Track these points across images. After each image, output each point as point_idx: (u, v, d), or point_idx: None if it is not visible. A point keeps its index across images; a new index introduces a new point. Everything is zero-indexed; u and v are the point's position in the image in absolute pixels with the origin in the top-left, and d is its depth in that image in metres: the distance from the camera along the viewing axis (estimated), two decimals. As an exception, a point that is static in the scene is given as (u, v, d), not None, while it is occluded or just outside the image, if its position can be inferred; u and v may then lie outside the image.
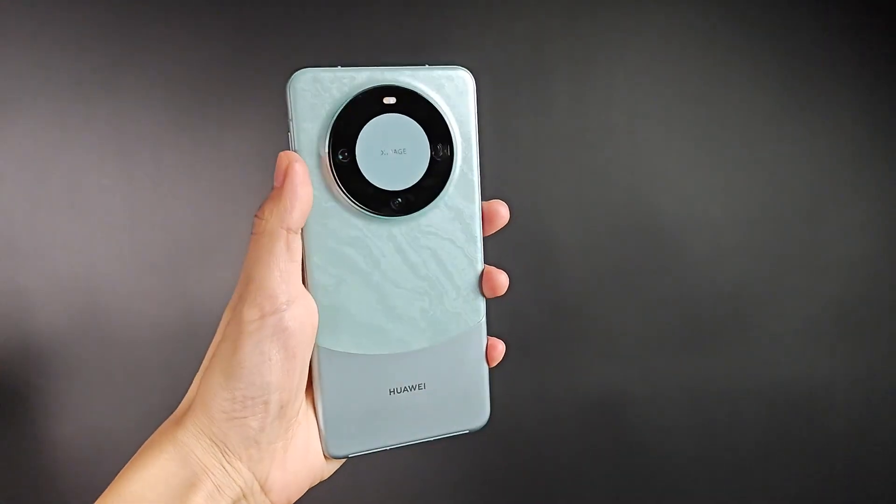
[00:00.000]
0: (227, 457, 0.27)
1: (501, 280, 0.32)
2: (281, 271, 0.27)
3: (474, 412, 0.31)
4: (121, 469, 0.28)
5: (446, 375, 0.31)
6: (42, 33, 0.82)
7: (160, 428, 0.29)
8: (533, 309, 0.92)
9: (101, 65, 0.84)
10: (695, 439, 0.94)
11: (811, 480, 0.94)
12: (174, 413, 0.29)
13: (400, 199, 0.29)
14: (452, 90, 0.30)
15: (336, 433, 0.29)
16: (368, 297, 0.29)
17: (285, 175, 0.27)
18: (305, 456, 0.30)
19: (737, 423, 0.94)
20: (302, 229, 0.28)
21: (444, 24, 0.89)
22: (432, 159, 0.29)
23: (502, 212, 0.32)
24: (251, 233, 0.27)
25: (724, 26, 0.92)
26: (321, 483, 0.31)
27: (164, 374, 0.88)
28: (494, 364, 0.32)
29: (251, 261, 0.27)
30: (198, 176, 0.88)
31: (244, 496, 0.28)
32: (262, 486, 0.28)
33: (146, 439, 0.29)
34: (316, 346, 0.29)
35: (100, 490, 0.27)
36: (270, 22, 0.87)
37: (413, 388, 0.30)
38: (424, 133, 0.29)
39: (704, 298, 0.93)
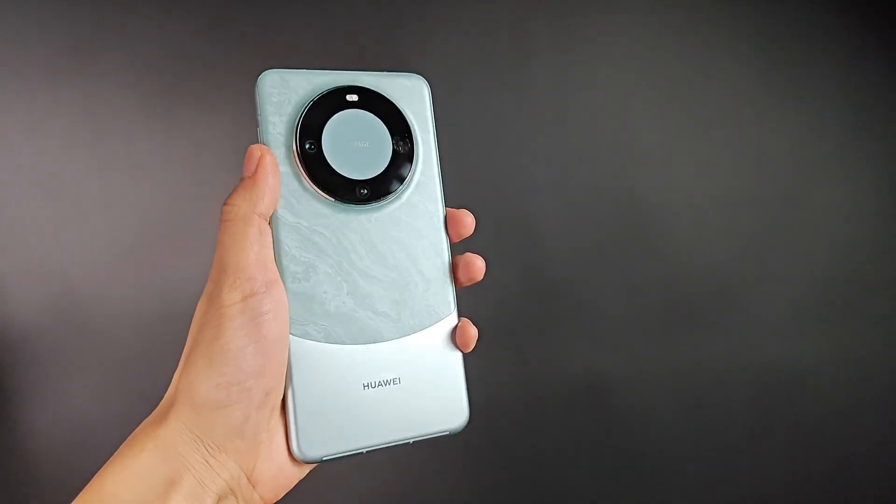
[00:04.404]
0: (210, 451, 0.27)
1: (478, 265, 0.32)
2: (256, 255, 0.27)
3: (452, 411, 0.30)
4: (97, 459, 0.27)
5: (421, 369, 0.30)
6: (10, 14, 0.79)
7: (141, 425, 0.28)
8: (517, 293, 0.92)
9: (72, 46, 0.82)
10: (680, 422, 0.95)
11: (797, 462, 0.96)
12: (155, 410, 0.29)
13: (365, 190, 0.30)
14: (410, 93, 0.32)
15: (308, 433, 0.28)
16: (339, 287, 0.29)
17: (258, 164, 0.28)
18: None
19: (722, 406, 0.95)
20: (271, 221, 0.29)
21: (423, 4, 0.88)
22: (395, 152, 0.31)
23: (467, 221, 0.32)
24: (221, 220, 0.27)
25: (707, 7, 0.92)
26: (309, 473, 0.31)
27: (141, 361, 0.87)
28: (468, 349, 0.32)
29: (225, 246, 0.27)
30: (171, 160, 0.86)
31: (231, 490, 0.27)
32: (249, 479, 0.28)
33: (123, 428, 0.28)
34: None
35: (77, 480, 0.27)
36: (246, 5, 0.85)
37: (387, 382, 0.30)
38: (386, 128, 0.31)
39: (689, 281, 0.94)
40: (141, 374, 0.87)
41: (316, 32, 0.87)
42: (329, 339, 0.29)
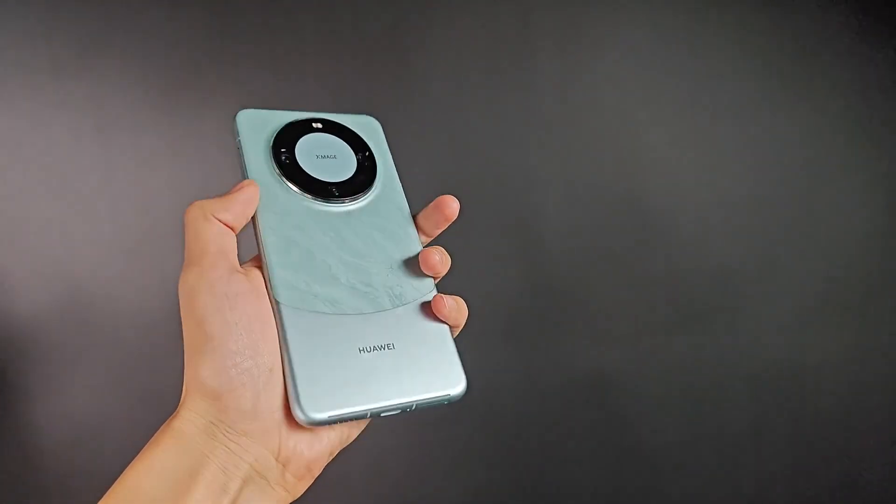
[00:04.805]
0: (228, 436, 0.27)
1: (434, 259, 0.33)
2: (218, 246, 0.29)
3: (450, 377, 0.31)
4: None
5: (412, 337, 0.31)
6: (16, 9, 0.79)
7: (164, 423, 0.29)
8: (520, 290, 0.92)
9: (78, 43, 0.82)
10: (683, 420, 0.95)
11: (800, 460, 0.96)
12: (177, 407, 0.29)
13: (336, 190, 0.34)
14: (366, 126, 0.38)
15: (310, 393, 0.28)
16: (324, 266, 0.31)
17: (238, 186, 0.32)
18: None
19: (725, 404, 0.95)
20: (256, 224, 0.32)
21: (426, 1, 0.87)
22: (359, 162, 0.35)
23: (452, 204, 0.34)
24: (184, 217, 0.30)
25: (713, 6, 0.92)
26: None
27: (145, 359, 0.87)
28: (449, 321, 0.33)
29: (187, 241, 0.30)
30: (177, 157, 0.86)
31: (258, 473, 0.28)
32: (276, 459, 0.28)
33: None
34: (277, 303, 0.29)
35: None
36: (252, 1, 0.85)
37: (382, 347, 0.30)
38: (348, 146, 0.36)
39: (693, 279, 0.94)
40: (145, 371, 0.87)
41: (319, 30, 0.87)
42: (319, 309, 0.30)
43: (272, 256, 0.30)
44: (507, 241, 0.91)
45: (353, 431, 0.31)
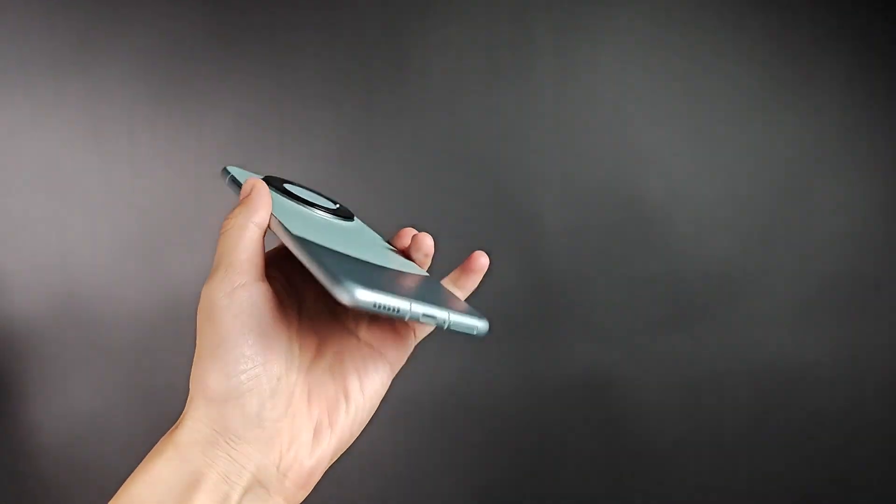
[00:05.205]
0: (231, 443, 0.27)
1: (427, 242, 0.35)
2: (248, 254, 0.30)
3: (472, 314, 0.30)
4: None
5: (429, 281, 0.33)
6: (13, 7, 0.79)
7: (166, 434, 0.29)
8: (518, 288, 0.92)
9: (74, 41, 0.82)
10: (681, 418, 0.95)
11: (797, 459, 0.96)
12: (178, 419, 0.29)
13: (330, 210, 0.38)
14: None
15: (355, 277, 0.27)
16: (341, 246, 0.32)
17: (252, 188, 0.32)
18: (319, 430, 0.30)
19: (722, 402, 0.95)
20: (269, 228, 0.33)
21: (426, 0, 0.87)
22: (336, 203, 0.41)
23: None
24: (220, 232, 0.31)
25: (710, 5, 0.92)
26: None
27: (142, 357, 0.87)
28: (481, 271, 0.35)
29: (220, 248, 0.30)
30: (174, 155, 0.86)
31: (259, 482, 0.28)
32: (277, 468, 0.28)
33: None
34: (295, 237, 0.29)
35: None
36: (248, 1, 0.85)
37: (409, 271, 0.32)
38: (323, 196, 0.41)
39: (690, 277, 0.94)
40: (142, 369, 0.87)
41: (318, 28, 0.87)
42: (346, 251, 0.31)
43: (296, 232, 0.31)
44: (504, 239, 0.91)
45: (355, 430, 0.31)
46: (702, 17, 0.92)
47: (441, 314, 0.28)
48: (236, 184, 0.36)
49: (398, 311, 0.27)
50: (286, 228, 0.30)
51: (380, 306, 0.26)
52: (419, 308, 0.27)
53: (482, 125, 0.90)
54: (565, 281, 0.92)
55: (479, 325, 0.30)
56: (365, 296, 0.26)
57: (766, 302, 0.95)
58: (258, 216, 0.31)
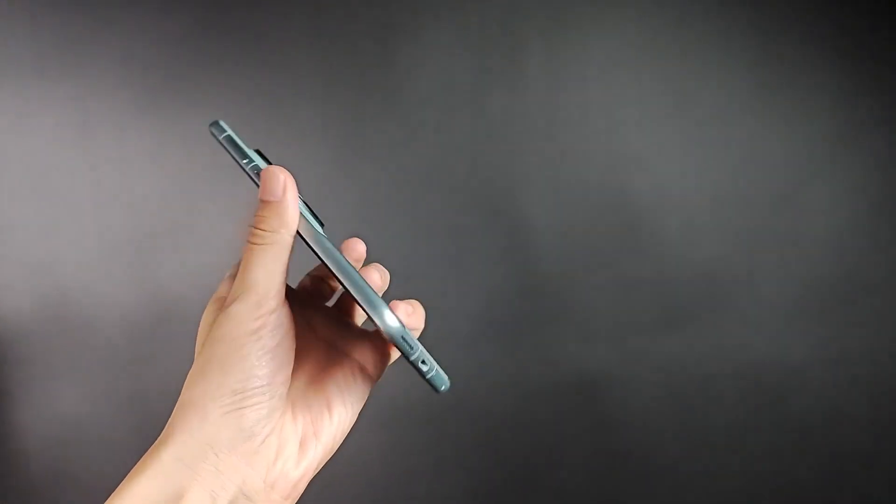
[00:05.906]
0: (220, 456, 0.27)
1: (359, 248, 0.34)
2: (282, 276, 0.29)
3: (445, 371, 0.31)
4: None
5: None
6: (0, 11, 0.78)
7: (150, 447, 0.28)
8: (508, 290, 0.92)
9: (61, 42, 0.81)
10: (671, 420, 0.96)
11: (785, 459, 0.97)
12: (160, 435, 0.29)
13: (311, 213, 0.33)
14: None
15: (383, 303, 0.28)
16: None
17: (284, 188, 0.29)
18: (305, 441, 0.30)
19: (712, 403, 0.96)
20: None
21: (416, 1, 0.87)
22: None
23: (359, 248, 0.35)
24: (256, 243, 0.28)
25: (699, 6, 0.93)
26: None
27: (130, 359, 0.86)
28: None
29: (256, 266, 0.28)
30: (162, 157, 0.86)
31: (245, 495, 0.28)
32: (264, 481, 0.28)
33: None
34: (331, 254, 0.29)
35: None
36: (238, 2, 0.84)
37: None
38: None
39: (679, 279, 0.95)
40: (130, 372, 0.86)
41: (309, 30, 0.86)
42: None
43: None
44: (493, 241, 0.91)
45: (338, 439, 0.31)
46: (691, 19, 0.92)
47: (431, 364, 0.30)
48: (237, 150, 0.31)
49: (411, 348, 0.29)
50: (323, 245, 0.29)
51: (405, 340, 0.28)
52: (423, 356, 0.29)
53: (471, 126, 0.90)
54: (554, 282, 0.93)
55: (447, 383, 0.31)
56: (398, 328, 0.28)
57: (755, 304, 0.96)
58: (293, 227, 0.29)
